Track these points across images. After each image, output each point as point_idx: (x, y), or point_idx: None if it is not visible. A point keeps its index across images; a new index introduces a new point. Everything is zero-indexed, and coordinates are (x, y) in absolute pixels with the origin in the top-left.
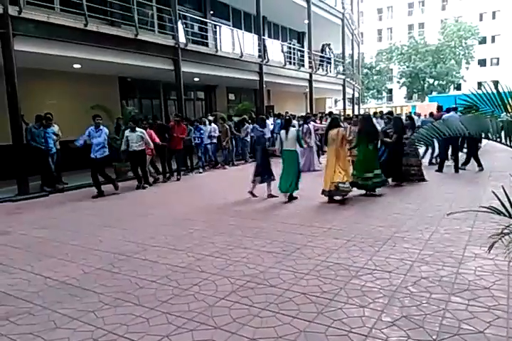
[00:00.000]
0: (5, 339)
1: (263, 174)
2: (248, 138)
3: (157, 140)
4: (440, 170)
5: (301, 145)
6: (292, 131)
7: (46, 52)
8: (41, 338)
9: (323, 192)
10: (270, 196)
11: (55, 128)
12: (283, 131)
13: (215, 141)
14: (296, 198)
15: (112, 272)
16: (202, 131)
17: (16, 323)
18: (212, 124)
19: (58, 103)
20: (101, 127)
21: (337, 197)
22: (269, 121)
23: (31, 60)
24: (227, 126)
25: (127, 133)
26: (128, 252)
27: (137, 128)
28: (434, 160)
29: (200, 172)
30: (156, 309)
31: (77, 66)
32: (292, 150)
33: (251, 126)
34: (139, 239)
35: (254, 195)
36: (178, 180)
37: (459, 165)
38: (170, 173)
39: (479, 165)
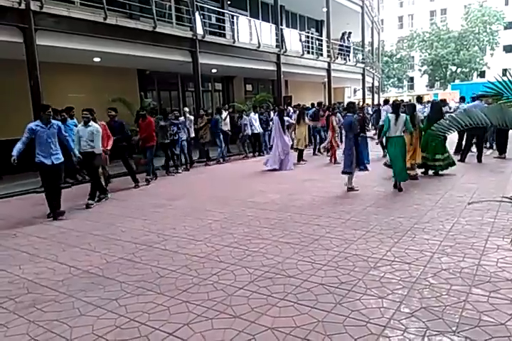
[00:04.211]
0: (32, 326)
1: (358, 164)
2: (249, 132)
3: (110, 140)
4: (463, 159)
5: (410, 131)
6: (402, 116)
7: (67, 46)
8: (67, 325)
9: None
10: (350, 189)
11: (75, 120)
12: (392, 116)
13: (192, 135)
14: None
15: (134, 261)
16: (180, 126)
17: (42, 310)
18: (188, 115)
19: (79, 96)
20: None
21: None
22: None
23: (53, 54)
24: (206, 120)
25: (79, 127)
26: (149, 242)
27: (92, 123)
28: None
29: (178, 172)
30: (176, 298)
31: (97, 59)
32: (402, 137)
33: (248, 117)
34: (160, 229)
35: (353, 189)
36: (146, 181)
37: (499, 155)
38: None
39: (502, 152)
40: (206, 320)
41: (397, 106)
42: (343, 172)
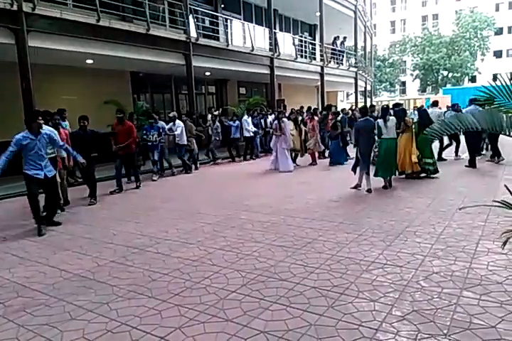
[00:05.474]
0: (22, 330)
1: (368, 165)
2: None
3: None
4: (473, 165)
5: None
6: (392, 119)
7: (59, 48)
8: (57, 329)
9: (406, 174)
10: (370, 191)
11: (67, 123)
12: (381, 120)
13: (182, 142)
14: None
15: (126, 265)
16: (160, 130)
17: (32, 314)
18: (177, 121)
19: (71, 98)
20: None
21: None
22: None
23: (45, 56)
24: (190, 124)
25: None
26: (141, 245)
27: (45, 126)
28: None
29: (153, 180)
30: (168, 301)
31: (89, 61)
32: (394, 138)
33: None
34: (152, 232)
35: (357, 188)
36: (137, 187)
37: (497, 159)
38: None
39: (498, 156)
40: (198, 323)
41: (384, 110)
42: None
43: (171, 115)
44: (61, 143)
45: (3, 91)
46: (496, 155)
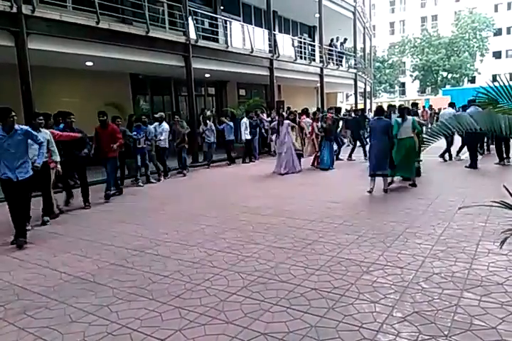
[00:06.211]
0: (23, 333)
1: (385, 166)
2: (212, 139)
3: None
4: (474, 166)
5: (418, 131)
6: (409, 119)
7: (59, 50)
8: (57, 331)
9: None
10: (386, 191)
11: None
12: (399, 119)
13: (163, 145)
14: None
15: (126, 267)
16: (147, 134)
17: (33, 317)
18: (163, 123)
19: (72, 101)
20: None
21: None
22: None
23: (45, 59)
24: (182, 126)
25: None
26: (141, 247)
27: (42, 129)
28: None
29: (151, 182)
30: (168, 303)
31: (89, 64)
32: (411, 138)
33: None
34: (152, 234)
35: (371, 192)
36: (106, 198)
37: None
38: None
39: (502, 158)
40: (199, 326)
41: (402, 110)
42: (371, 175)
43: (157, 115)
44: (41, 141)
45: (2, 93)
46: (500, 156)
